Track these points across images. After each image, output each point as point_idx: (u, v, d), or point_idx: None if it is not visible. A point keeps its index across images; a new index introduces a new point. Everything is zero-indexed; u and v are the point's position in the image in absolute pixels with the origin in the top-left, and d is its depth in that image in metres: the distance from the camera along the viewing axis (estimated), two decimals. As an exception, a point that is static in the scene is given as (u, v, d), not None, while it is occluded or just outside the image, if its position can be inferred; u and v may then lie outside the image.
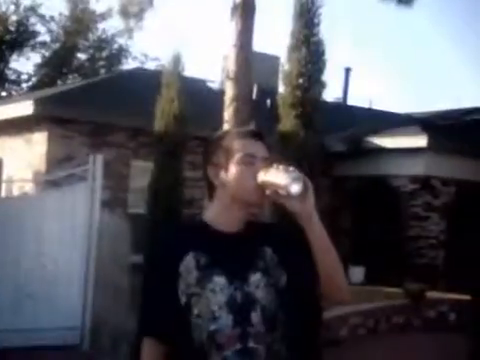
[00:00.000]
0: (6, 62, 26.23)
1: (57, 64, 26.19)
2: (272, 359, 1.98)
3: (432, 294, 10.58)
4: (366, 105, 20.42)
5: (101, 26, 27.08)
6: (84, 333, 7.39)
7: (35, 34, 26.34)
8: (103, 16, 26.47)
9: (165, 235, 2.20)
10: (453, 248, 12.10)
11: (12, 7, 25.77)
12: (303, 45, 7.08)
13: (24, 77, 26.93)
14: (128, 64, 26.88)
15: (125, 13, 14.42)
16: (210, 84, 16.52)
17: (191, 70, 31.05)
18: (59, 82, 25.79)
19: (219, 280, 1.97)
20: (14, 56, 26.38)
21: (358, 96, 46.50)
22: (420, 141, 12.15)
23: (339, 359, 7.64)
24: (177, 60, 9.07)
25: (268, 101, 14.67)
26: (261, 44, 24.05)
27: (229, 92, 8.71)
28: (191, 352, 1.94)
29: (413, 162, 12.48)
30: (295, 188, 1.88)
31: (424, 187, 12.47)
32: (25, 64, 37.53)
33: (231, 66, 8.78)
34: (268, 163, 2.01)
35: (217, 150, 2.08)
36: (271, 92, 14.10)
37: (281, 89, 7.44)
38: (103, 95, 12.47)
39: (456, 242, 12.00)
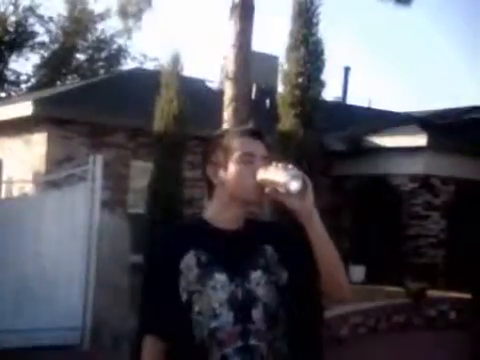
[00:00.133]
0: (5, 63, 26.22)
1: (56, 65, 26.17)
2: (273, 356, 1.98)
3: (432, 293, 10.58)
4: (365, 104, 20.44)
5: (100, 26, 27.12)
6: (84, 333, 7.39)
7: (34, 35, 26.33)
8: (102, 16, 26.47)
9: (165, 234, 2.22)
10: (453, 247, 12.10)
11: (11, 8, 25.80)
12: (302, 45, 7.10)
13: (23, 78, 26.94)
14: (127, 64, 26.89)
15: (124, 13, 14.42)
16: (209, 84, 16.51)
17: (190, 70, 31.10)
18: (58, 83, 25.77)
19: (220, 277, 1.97)
20: (13, 57, 26.38)
21: (357, 95, 46.58)
22: (419, 140, 12.16)
23: (340, 358, 7.63)
24: (176, 60, 9.08)
25: (267, 101, 14.68)
26: (260, 44, 24.04)
27: (228, 92, 8.72)
28: (192, 349, 1.94)
29: (413, 161, 12.48)
30: (294, 185, 1.88)
31: (424, 186, 12.48)
32: (24, 65, 37.57)
33: (230, 66, 8.79)
34: (267, 162, 2.01)
35: (216, 149, 2.08)
36: (270, 92, 14.11)
37: (280, 89, 7.47)
38: (102, 95, 12.46)
39: (456, 241, 12.00)
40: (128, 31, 25.14)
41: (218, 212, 2.07)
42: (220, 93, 10.01)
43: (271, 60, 14.63)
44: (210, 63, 35.65)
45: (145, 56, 26.82)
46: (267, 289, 2.00)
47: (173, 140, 8.65)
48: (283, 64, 7.34)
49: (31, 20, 26.07)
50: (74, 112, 11.45)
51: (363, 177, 13.43)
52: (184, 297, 1.97)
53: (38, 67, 27.00)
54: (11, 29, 25.89)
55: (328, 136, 11.82)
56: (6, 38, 25.62)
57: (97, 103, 12.00)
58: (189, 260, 1.98)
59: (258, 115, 9.25)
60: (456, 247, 11.93)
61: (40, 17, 26.07)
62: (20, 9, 25.85)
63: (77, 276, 7.46)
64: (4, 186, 12.22)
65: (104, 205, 8.17)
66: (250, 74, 8.93)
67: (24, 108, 11.40)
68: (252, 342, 1.94)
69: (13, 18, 25.93)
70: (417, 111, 18.83)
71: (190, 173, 9.77)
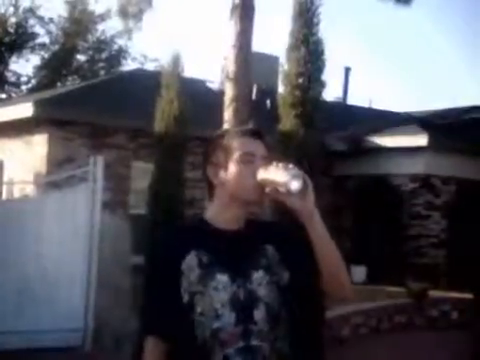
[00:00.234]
0: (5, 64, 26.22)
1: (56, 66, 26.17)
2: (275, 357, 1.98)
3: (434, 293, 10.58)
4: (366, 104, 20.46)
5: (100, 27, 27.10)
6: (86, 334, 7.39)
7: (34, 36, 26.32)
8: (102, 17, 26.46)
9: (166, 235, 2.22)
10: (454, 247, 12.10)
11: (11, 9, 25.80)
12: (302, 45, 7.09)
13: (24, 79, 26.92)
14: (128, 65, 26.87)
15: (124, 14, 14.43)
16: (210, 84, 16.50)
17: (191, 71, 31.02)
18: (59, 84, 25.77)
19: (222, 278, 1.97)
20: (13, 58, 26.37)
21: (358, 95, 46.59)
22: (420, 140, 12.16)
23: (341, 358, 7.63)
24: (176, 61, 9.07)
25: (268, 101, 14.67)
26: (260, 44, 24.04)
27: (229, 92, 8.72)
28: (194, 350, 1.94)
29: (413, 161, 12.49)
30: (295, 185, 1.88)
31: (424, 186, 12.48)
32: (24, 66, 37.58)
33: (230, 66, 8.79)
34: (267, 161, 2.01)
35: (216, 149, 2.08)
36: (271, 92, 14.10)
37: (281, 89, 7.45)
38: (103, 96, 12.46)
39: (457, 241, 12.00)
40: (128, 32, 25.12)
41: (219, 212, 2.07)
42: (220, 94, 10.01)
43: (271, 60, 14.62)
44: (210, 64, 35.61)
45: (145, 57, 26.82)
46: (269, 289, 2.00)
47: (174, 141, 8.64)
48: (283, 64, 7.33)
49: (31, 21, 26.09)
50: (75, 113, 11.44)
51: (364, 177, 13.43)
52: (186, 298, 1.96)
53: (38, 68, 27.00)
54: (11, 30, 25.89)
55: (329, 136, 11.83)
56: (6, 39, 25.63)
57: (98, 104, 12.00)
58: (190, 261, 1.98)
59: (259, 115, 9.25)
60: (457, 247, 11.93)
61: (40, 18, 26.08)
62: (20, 10, 25.86)
63: (78, 277, 7.46)
64: (5, 187, 12.22)
65: (105, 206, 8.17)
66: (250, 74, 8.93)
67: (25, 109, 11.40)
68: (254, 342, 1.94)
69: (13, 19, 25.95)
70: (417, 111, 18.82)
71: (191, 174, 9.76)
